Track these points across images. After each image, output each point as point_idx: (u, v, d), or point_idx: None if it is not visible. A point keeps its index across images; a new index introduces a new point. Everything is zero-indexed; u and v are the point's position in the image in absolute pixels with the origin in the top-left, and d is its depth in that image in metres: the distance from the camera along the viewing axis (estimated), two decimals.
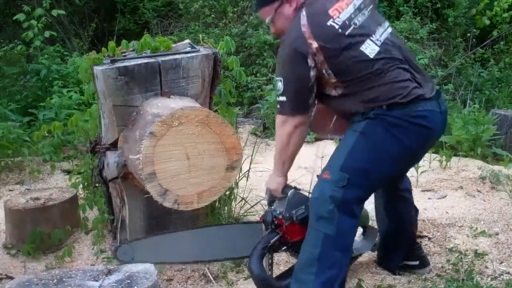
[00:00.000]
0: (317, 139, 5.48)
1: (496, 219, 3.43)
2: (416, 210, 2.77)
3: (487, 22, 7.26)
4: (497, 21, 7.30)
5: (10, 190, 4.17)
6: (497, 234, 3.18)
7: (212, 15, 8.06)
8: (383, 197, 2.65)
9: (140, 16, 9.02)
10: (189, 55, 2.87)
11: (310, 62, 2.19)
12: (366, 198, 2.30)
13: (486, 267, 2.80)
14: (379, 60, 2.22)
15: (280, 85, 2.27)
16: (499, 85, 7.57)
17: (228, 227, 2.80)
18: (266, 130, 6.08)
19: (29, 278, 1.95)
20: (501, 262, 2.86)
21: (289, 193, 2.38)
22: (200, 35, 3.84)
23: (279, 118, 2.32)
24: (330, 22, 2.22)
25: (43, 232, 3.07)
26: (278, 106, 2.31)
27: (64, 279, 1.92)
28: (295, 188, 2.43)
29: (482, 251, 2.95)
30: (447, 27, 7.70)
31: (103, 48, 2.94)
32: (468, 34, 7.88)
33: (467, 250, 2.96)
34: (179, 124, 2.46)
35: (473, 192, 3.93)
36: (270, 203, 2.50)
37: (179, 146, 2.48)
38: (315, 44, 2.19)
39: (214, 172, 2.55)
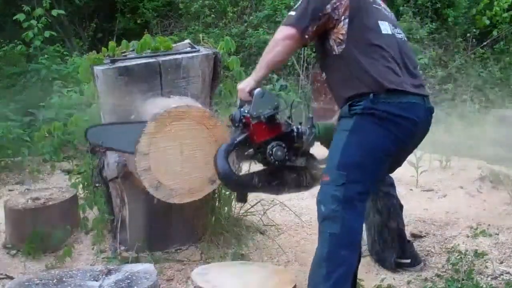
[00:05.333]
0: None
1: (496, 219, 3.43)
2: (401, 206, 2.81)
3: (487, 22, 7.27)
4: (497, 21, 7.31)
5: (10, 190, 4.18)
6: (497, 234, 3.18)
7: (212, 15, 8.07)
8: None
9: (140, 16, 9.02)
10: (189, 55, 2.87)
11: (334, 1, 2.29)
12: (368, 192, 2.32)
13: (486, 267, 2.79)
14: (386, 40, 2.32)
15: (298, 3, 2.36)
16: (499, 85, 7.57)
17: None
18: None
19: (29, 278, 1.95)
20: (501, 262, 2.86)
21: (255, 92, 2.34)
22: (200, 35, 3.84)
23: (278, 28, 2.37)
24: None
25: (43, 232, 3.07)
26: (284, 19, 2.37)
27: (64, 279, 1.92)
28: (263, 89, 2.39)
29: (482, 251, 2.94)
30: (447, 27, 7.70)
31: (103, 48, 2.94)
32: (468, 34, 7.88)
33: (467, 250, 2.96)
34: (174, 121, 2.53)
35: (473, 192, 3.93)
36: (241, 106, 2.44)
37: (174, 142, 2.55)
38: None
39: (206, 168, 2.61)
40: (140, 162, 2.49)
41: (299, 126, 2.44)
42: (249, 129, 2.38)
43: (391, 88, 2.23)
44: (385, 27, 2.36)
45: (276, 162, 2.37)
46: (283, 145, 2.38)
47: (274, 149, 2.36)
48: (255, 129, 2.36)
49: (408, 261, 2.79)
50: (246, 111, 2.37)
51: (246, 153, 2.45)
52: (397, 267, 2.80)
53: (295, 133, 2.42)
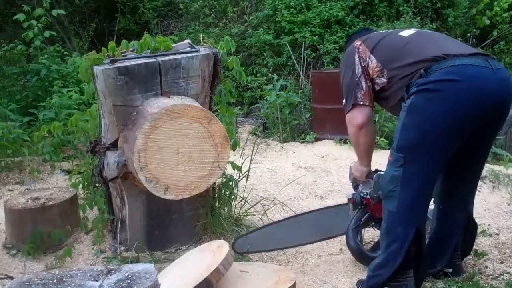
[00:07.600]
0: (317, 139, 5.48)
1: (496, 219, 3.43)
2: (473, 224, 2.72)
3: (487, 22, 7.27)
4: (497, 21, 7.30)
5: (10, 190, 4.18)
6: (497, 234, 3.18)
7: (212, 15, 8.07)
8: (439, 197, 2.65)
9: (140, 16, 9.02)
10: (189, 55, 2.88)
11: (356, 58, 2.53)
12: (428, 168, 2.36)
13: (486, 267, 2.79)
14: (414, 37, 2.49)
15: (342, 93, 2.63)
16: None
17: (318, 212, 3.07)
18: (266, 130, 6.08)
19: (29, 278, 1.95)
20: (501, 262, 2.86)
21: (374, 177, 2.67)
22: (200, 35, 3.83)
23: (346, 119, 2.61)
24: (379, 31, 2.72)
25: (43, 232, 3.07)
26: (345, 110, 2.60)
27: (64, 279, 1.92)
28: (376, 170, 2.72)
29: (482, 251, 2.95)
30: (447, 27, 7.68)
31: (103, 48, 2.94)
32: (468, 34, 7.87)
33: None
34: (170, 120, 2.58)
35: None
36: (355, 186, 2.85)
37: (171, 140, 2.60)
38: (358, 42, 2.59)
39: (202, 166, 2.68)
40: (137, 160, 2.55)
41: None
42: (370, 208, 2.75)
43: (440, 54, 2.31)
44: (407, 32, 2.53)
45: None
46: None
47: None
48: (376, 207, 2.69)
49: (450, 270, 2.68)
50: (365, 193, 2.75)
51: (369, 226, 2.85)
52: (436, 274, 2.68)
53: None
